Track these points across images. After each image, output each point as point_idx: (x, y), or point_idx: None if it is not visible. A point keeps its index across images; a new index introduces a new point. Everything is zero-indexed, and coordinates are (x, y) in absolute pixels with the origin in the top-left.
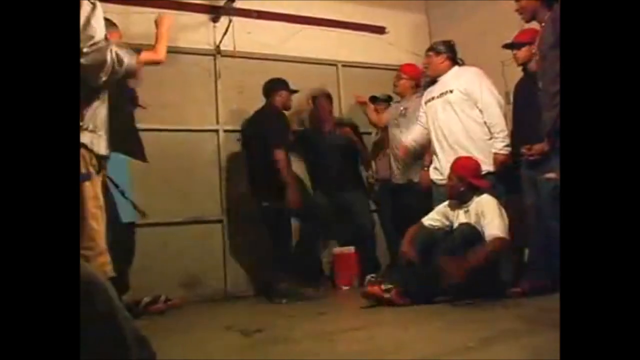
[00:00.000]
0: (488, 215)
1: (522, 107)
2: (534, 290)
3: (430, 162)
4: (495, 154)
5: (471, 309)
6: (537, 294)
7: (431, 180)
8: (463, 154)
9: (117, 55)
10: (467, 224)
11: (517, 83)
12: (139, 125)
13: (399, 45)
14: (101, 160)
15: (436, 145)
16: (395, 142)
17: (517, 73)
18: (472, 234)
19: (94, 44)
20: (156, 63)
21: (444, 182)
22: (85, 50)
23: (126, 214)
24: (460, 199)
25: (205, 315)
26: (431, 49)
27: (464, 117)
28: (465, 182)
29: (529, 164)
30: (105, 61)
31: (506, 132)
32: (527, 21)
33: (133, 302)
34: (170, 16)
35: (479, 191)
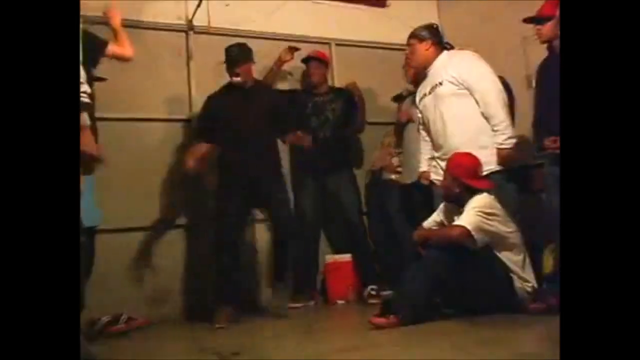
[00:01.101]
0: (468, 206)
1: (547, 92)
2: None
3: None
4: (497, 149)
5: (484, 327)
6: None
7: (431, 180)
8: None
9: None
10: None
11: (541, 64)
12: (97, 114)
13: (403, 19)
14: None
15: (435, 146)
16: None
17: (540, 52)
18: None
19: None
20: (125, 60)
21: None
22: None
23: (86, 217)
24: (456, 202)
25: (175, 336)
26: (412, 36)
27: (460, 112)
28: (461, 183)
29: (554, 159)
30: None
31: (507, 123)
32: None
33: (89, 322)
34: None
35: (477, 192)
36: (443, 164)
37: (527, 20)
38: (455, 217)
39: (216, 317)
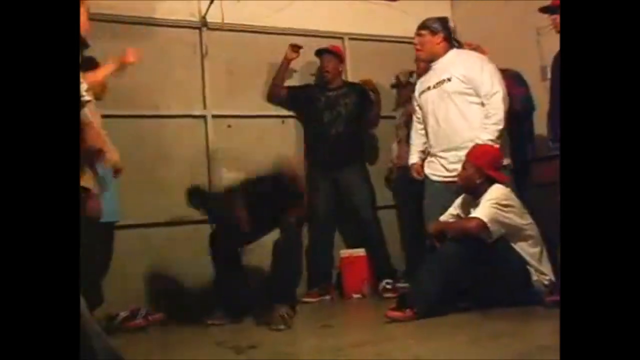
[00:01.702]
0: (484, 199)
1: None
2: None
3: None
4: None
5: (499, 320)
6: None
7: (423, 173)
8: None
9: None
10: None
11: (557, 55)
12: (113, 112)
13: (415, 13)
14: None
15: (433, 141)
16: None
17: (556, 43)
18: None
19: None
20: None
21: (442, 179)
22: None
23: (106, 212)
24: (474, 193)
25: (192, 331)
26: (424, 27)
27: (466, 110)
28: (483, 173)
29: None
30: None
31: (500, 127)
32: None
33: (107, 317)
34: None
35: (494, 183)
36: (443, 160)
37: (543, 10)
38: (472, 210)
39: (211, 318)
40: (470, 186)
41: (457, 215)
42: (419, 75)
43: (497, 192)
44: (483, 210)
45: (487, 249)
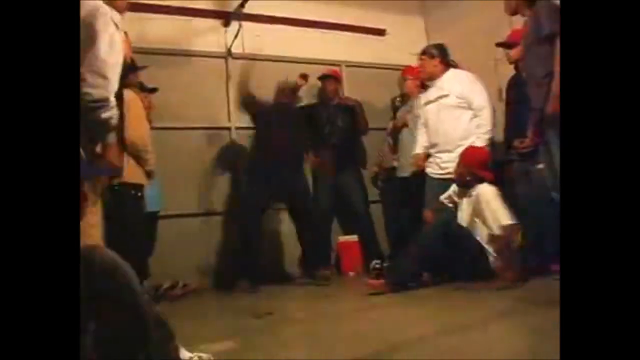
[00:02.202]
0: (493, 205)
1: (515, 102)
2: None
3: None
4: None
5: (468, 293)
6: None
7: (424, 168)
8: (456, 153)
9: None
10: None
11: (509, 80)
12: (157, 124)
13: (398, 46)
14: None
15: (432, 143)
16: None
17: (509, 71)
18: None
19: (102, 101)
20: None
21: (438, 176)
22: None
23: (151, 203)
24: (465, 187)
25: (219, 300)
26: (424, 52)
27: (459, 120)
28: (472, 173)
29: (520, 156)
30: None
31: (490, 136)
32: (511, 14)
33: (153, 287)
34: None
35: (483, 182)
36: (439, 160)
37: (499, 45)
38: (465, 199)
39: (237, 287)
40: (462, 182)
41: (450, 197)
42: (409, 93)
43: (494, 193)
44: (506, 215)
45: (454, 234)
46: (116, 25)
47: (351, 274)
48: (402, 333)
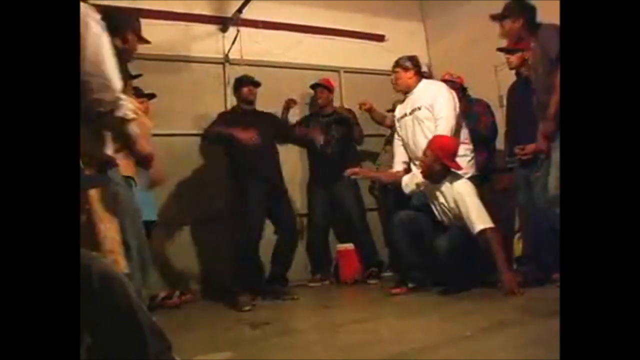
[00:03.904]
0: (470, 206)
1: (515, 108)
2: (527, 282)
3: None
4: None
5: (466, 301)
6: (530, 286)
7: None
8: None
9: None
10: (460, 228)
11: (511, 86)
12: (154, 131)
13: (397, 51)
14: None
15: (410, 155)
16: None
17: (510, 77)
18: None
19: (113, 103)
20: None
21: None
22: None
23: (146, 213)
24: (433, 179)
25: (216, 309)
26: (398, 65)
27: (428, 132)
28: (440, 162)
29: (521, 163)
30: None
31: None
32: (513, 45)
33: (150, 297)
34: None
35: (453, 174)
36: (415, 168)
37: (501, 50)
38: (438, 193)
39: (240, 301)
40: (431, 173)
41: (414, 189)
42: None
43: (470, 192)
44: (484, 219)
45: (469, 242)
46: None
47: (349, 281)
48: (402, 344)
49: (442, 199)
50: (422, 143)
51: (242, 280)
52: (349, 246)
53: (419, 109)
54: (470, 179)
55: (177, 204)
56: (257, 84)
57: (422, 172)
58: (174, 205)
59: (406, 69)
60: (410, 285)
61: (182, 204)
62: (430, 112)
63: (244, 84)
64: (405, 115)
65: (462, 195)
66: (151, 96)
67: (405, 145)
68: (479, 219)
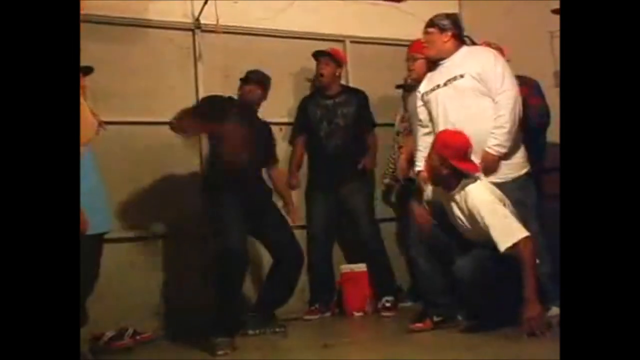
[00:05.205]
0: (488, 218)
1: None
2: None
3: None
4: (484, 150)
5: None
6: None
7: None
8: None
9: None
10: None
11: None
12: (104, 118)
13: (420, 15)
14: None
15: None
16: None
17: None
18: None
19: None
20: None
21: None
22: None
23: (95, 224)
24: (444, 186)
25: (182, 351)
26: (432, 24)
27: (477, 110)
28: (449, 164)
29: None
30: None
31: (506, 130)
32: None
33: (93, 337)
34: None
35: (466, 177)
36: None
37: (557, 12)
38: (453, 203)
39: (214, 344)
40: (437, 178)
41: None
42: (418, 78)
43: (485, 199)
44: (508, 230)
45: (500, 262)
46: None
47: (357, 314)
48: None
49: (457, 211)
50: (467, 124)
51: (218, 315)
52: (358, 267)
53: (462, 76)
54: (513, 180)
55: (136, 212)
56: (261, 83)
57: (428, 179)
58: (132, 215)
59: (443, 30)
60: (435, 318)
61: (141, 212)
62: (478, 82)
63: (247, 81)
64: (437, 87)
65: (476, 205)
66: (87, 70)
67: (434, 129)
68: (503, 234)
